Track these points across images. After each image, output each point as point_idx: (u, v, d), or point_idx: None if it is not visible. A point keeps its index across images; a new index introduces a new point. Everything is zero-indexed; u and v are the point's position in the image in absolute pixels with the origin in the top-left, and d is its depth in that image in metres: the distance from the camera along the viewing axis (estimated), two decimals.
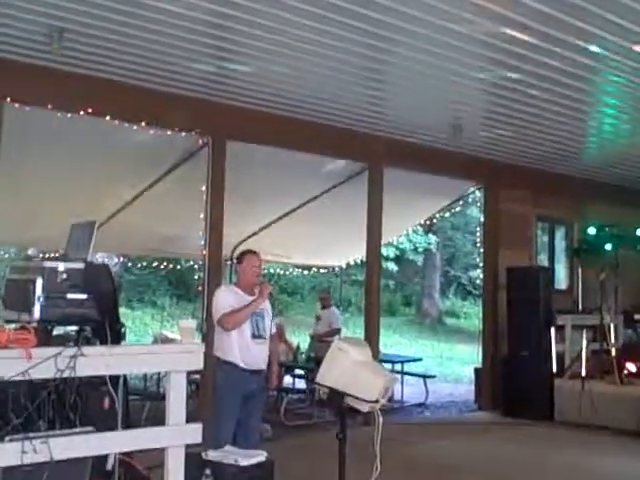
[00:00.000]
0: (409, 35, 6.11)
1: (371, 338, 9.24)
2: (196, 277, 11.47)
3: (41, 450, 2.97)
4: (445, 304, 27.62)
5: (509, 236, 11.27)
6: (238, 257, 5.99)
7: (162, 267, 15.70)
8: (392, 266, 24.38)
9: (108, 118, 7.37)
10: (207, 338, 6.74)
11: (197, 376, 8.13)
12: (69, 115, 7.18)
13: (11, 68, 6.77)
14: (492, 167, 10.98)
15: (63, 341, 3.77)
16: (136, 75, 7.24)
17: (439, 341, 22.23)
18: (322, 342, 10.79)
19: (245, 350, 5.60)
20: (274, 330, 5.94)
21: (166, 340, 10.65)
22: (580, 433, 8.94)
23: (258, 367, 5.67)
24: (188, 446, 3.43)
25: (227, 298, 5.71)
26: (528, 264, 11.34)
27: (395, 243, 20.95)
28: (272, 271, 16.18)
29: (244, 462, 4.37)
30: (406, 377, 11.78)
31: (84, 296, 3.82)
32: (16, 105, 6.80)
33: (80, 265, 3.89)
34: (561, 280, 12.75)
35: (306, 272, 16.40)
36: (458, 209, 13.44)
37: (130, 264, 19.06)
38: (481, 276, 11.76)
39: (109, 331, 3.69)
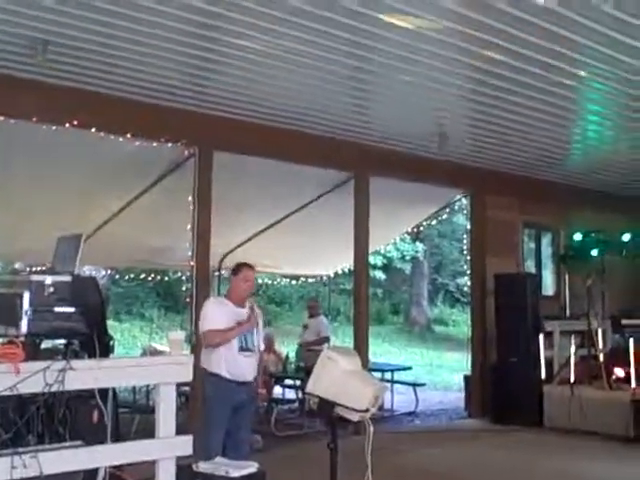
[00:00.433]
0: (392, 44, 6.13)
1: (360, 347, 9.23)
2: (184, 288, 11.42)
3: (31, 465, 2.96)
4: (433, 312, 27.65)
5: (496, 243, 11.31)
6: (234, 269, 5.87)
7: (150, 279, 15.63)
8: (380, 275, 24.39)
9: (94, 130, 7.36)
10: (196, 350, 6.71)
11: (187, 388, 8.09)
12: (54, 128, 7.17)
13: None
14: (478, 174, 11.02)
15: (51, 355, 3.76)
16: (122, 87, 7.23)
17: (428, 349, 22.23)
18: (310, 351, 10.76)
19: (232, 362, 5.57)
20: (262, 346, 5.93)
21: (155, 352, 10.60)
22: (569, 439, 8.96)
23: (244, 379, 5.64)
24: (178, 458, 3.42)
25: (215, 311, 5.68)
26: (515, 271, 11.37)
27: (383, 252, 20.99)
28: (260, 281, 16.15)
29: (235, 474, 4.34)
30: (396, 385, 11.78)
31: (72, 309, 3.82)
32: (1, 118, 6.77)
33: (67, 278, 3.89)
34: (548, 286, 12.80)
35: (294, 282, 16.37)
36: (445, 217, 13.50)
37: (117, 276, 18.95)
38: (469, 283, 11.79)
39: (97, 344, 3.69)
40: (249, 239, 11.80)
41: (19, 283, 3.93)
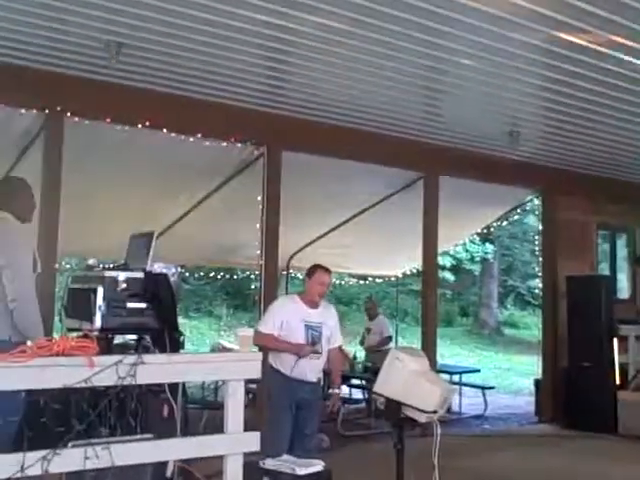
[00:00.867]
0: (466, 44, 6.05)
1: (428, 348, 9.14)
2: (252, 287, 11.54)
3: (103, 456, 3.00)
4: (503, 314, 27.23)
5: (568, 244, 11.05)
6: (308, 270, 5.89)
7: (219, 277, 15.85)
8: (449, 276, 24.15)
9: (165, 131, 7.50)
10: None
11: (253, 385, 8.15)
12: (127, 128, 7.33)
13: (70, 83, 6.92)
14: (550, 174, 10.78)
15: (123, 350, 3.83)
16: (192, 88, 7.34)
17: (497, 352, 21.91)
18: (377, 352, 10.73)
19: (295, 362, 5.59)
20: (334, 344, 5.90)
21: (223, 350, 10.74)
22: None
23: (305, 378, 5.65)
24: (246, 454, 3.43)
25: (280, 312, 5.71)
26: (589, 273, 11.10)
27: (452, 252, 20.75)
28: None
29: (301, 471, 4.36)
30: (464, 388, 11.63)
31: (144, 305, 3.89)
32: (76, 119, 6.96)
33: (140, 274, 3.96)
34: (623, 289, 12.45)
35: (362, 282, 16.33)
36: (516, 218, 13.27)
37: (187, 274, 19.31)
38: (540, 285, 11.57)
39: (168, 340, 3.74)
40: (318, 238, 11.83)
41: (93, 279, 4.02)
